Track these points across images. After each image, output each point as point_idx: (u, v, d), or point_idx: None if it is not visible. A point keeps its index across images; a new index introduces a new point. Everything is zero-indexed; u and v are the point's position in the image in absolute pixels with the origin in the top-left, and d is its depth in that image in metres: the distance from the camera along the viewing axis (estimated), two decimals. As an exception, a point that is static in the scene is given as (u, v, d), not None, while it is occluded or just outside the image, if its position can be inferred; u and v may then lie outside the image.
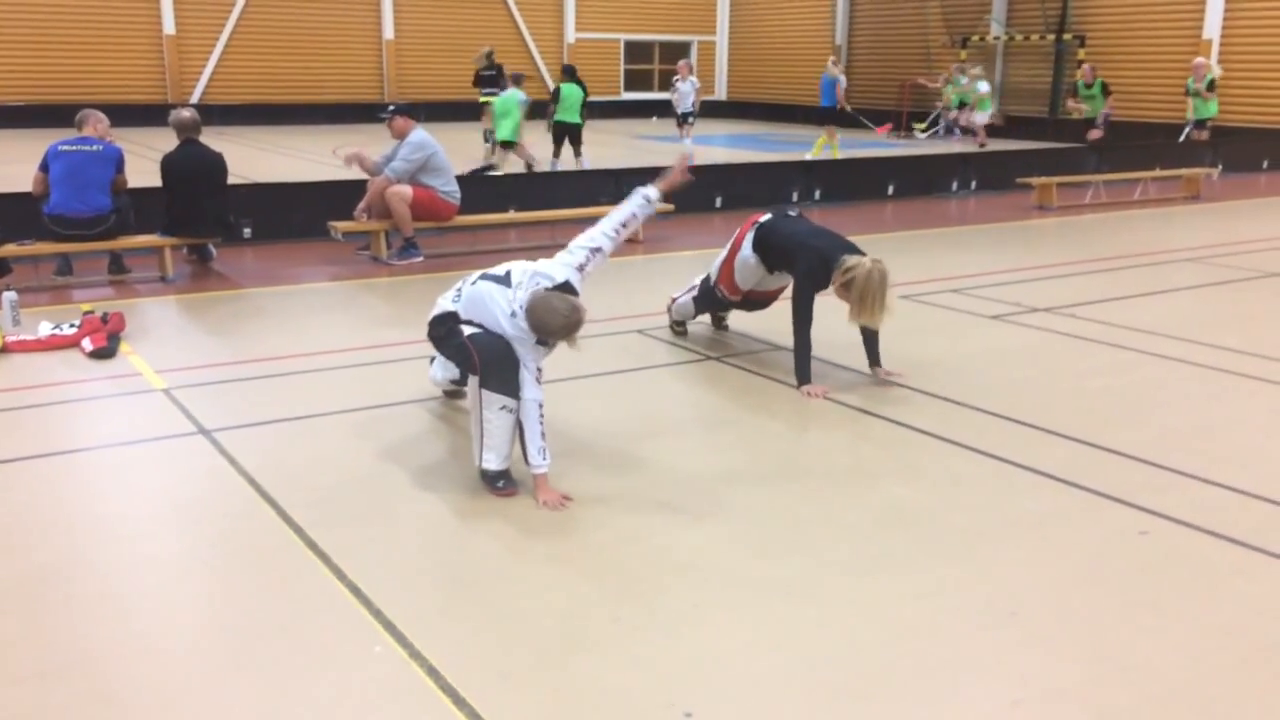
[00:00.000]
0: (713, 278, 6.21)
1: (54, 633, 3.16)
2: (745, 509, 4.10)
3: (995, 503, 4.16)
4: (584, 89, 16.04)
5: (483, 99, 19.42)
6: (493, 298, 4.19)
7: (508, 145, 14.86)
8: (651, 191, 4.70)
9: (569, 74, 16.33)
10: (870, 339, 5.65)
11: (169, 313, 7.38)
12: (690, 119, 18.56)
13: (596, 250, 4.41)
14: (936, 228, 11.58)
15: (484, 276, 4.33)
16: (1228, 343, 6.49)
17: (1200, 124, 17.11)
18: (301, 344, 6.41)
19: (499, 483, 4.19)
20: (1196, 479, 4.38)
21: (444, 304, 4.44)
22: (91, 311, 6.49)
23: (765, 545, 3.79)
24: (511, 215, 10.39)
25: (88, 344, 6.08)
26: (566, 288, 4.19)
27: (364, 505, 4.10)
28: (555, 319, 4.03)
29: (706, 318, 6.73)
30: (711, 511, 4.09)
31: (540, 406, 4.11)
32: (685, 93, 18.65)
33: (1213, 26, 21.50)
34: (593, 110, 29.08)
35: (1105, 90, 17.50)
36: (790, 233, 5.75)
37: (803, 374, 5.53)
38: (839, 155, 17.25)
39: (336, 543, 3.73)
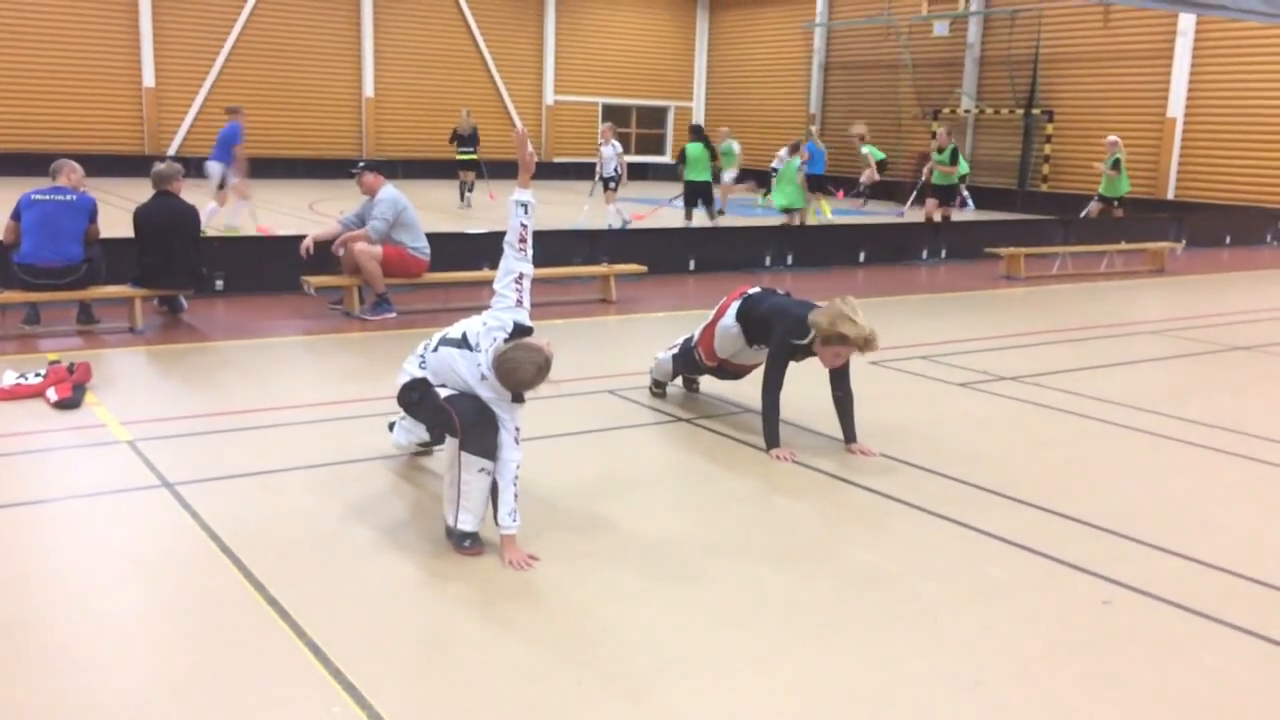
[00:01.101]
0: (694, 339, 6.24)
1: (4, 689, 3.08)
2: (711, 573, 4.09)
3: (960, 570, 4.17)
4: (710, 147, 16.19)
5: (460, 157, 19.95)
6: (458, 363, 4.18)
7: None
8: (518, 193, 4.42)
9: (696, 133, 16.42)
10: (845, 414, 5.67)
11: (136, 364, 7.33)
12: (613, 184, 17.32)
13: (519, 277, 4.33)
14: (907, 295, 11.71)
15: (443, 341, 4.30)
16: (1189, 414, 6.58)
17: (1108, 201, 16.73)
18: (269, 398, 6.37)
19: (465, 542, 4.16)
20: (1158, 549, 4.42)
21: (411, 370, 4.42)
22: (58, 361, 6.44)
23: (730, 610, 3.77)
24: (485, 273, 10.40)
25: (53, 394, 6.01)
26: (522, 330, 4.17)
27: (326, 563, 4.06)
28: (526, 371, 4.01)
29: (679, 380, 6.76)
30: (677, 575, 4.07)
31: (517, 468, 4.11)
32: (608, 157, 17.51)
33: (1177, 105, 22.09)
34: (567, 171, 29.53)
35: (955, 158, 16.58)
36: (773, 304, 5.81)
37: (771, 438, 5.55)
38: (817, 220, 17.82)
39: (297, 600, 3.69)
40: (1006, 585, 4.05)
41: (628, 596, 3.86)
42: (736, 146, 19.75)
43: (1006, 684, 3.30)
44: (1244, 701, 3.25)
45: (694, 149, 15.83)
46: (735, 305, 5.96)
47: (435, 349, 4.32)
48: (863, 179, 22.76)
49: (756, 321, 5.81)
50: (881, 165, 22.95)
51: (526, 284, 4.35)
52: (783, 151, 18.57)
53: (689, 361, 6.31)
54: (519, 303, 4.31)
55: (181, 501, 4.60)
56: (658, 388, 6.67)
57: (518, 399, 4.12)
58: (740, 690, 3.21)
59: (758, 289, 6.03)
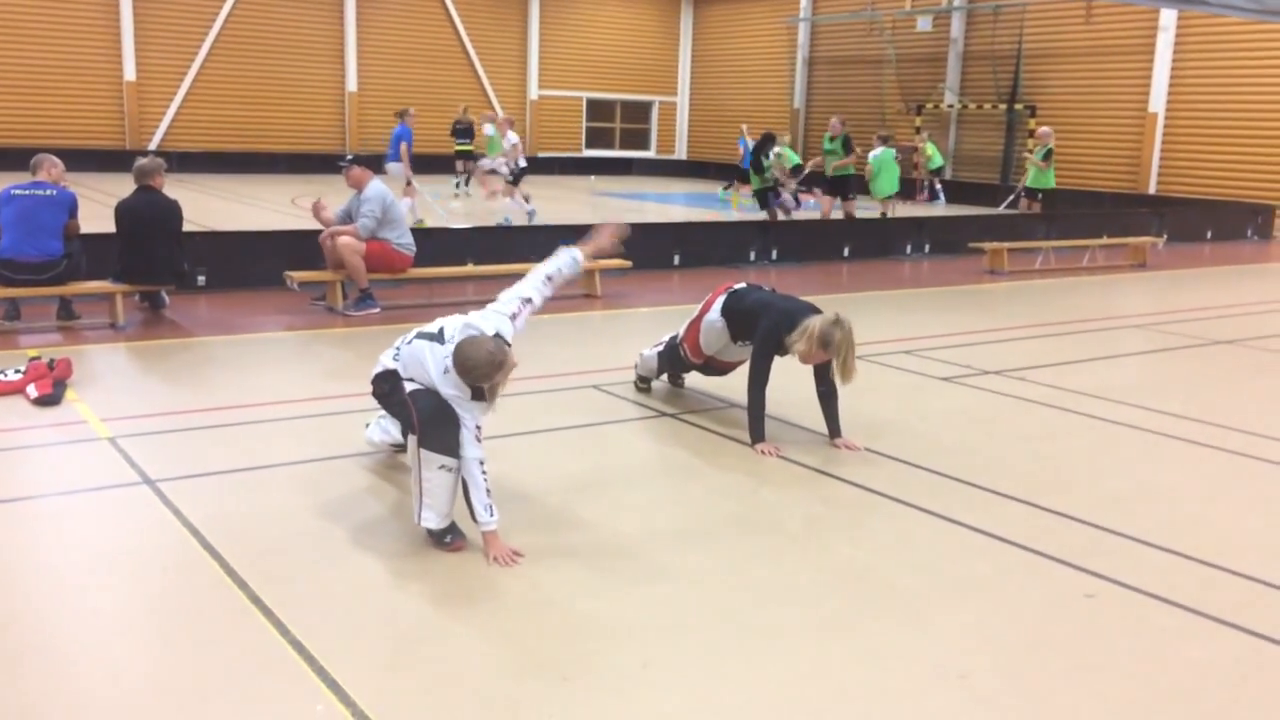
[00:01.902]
0: (679, 336, 6.23)
1: (-17, 688, 3.06)
2: (696, 568, 4.09)
3: (944, 564, 4.19)
4: (765, 152, 16.33)
5: (458, 148, 20.23)
6: (426, 355, 4.15)
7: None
8: (578, 252, 4.71)
9: (766, 140, 16.38)
10: (830, 409, 5.67)
11: (118, 360, 7.28)
12: (511, 179, 16.14)
13: (527, 301, 4.43)
14: (891, 290, 11.74)
15: (420, 334, 4.28)
16: (1172, 408, 6.62)
17: (1033, 193, 16.57)
18: (252, 394, 6.34)
19: (446, 538, 4.15)
20: (1141, 542, 4.44)
21: (385, 361, 4.41)
22: (38, 357, 6.39)
23: (715, 605, 3.77)
24: (469, 269, 10.40)
25: (33, 390, 5.97)
26: (497, 338, 4.12)
27: (309, 559, 4.04)
28: (479, 353, 3.93)
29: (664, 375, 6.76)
30: (662, 570, 4.07)
31: (482, 464, 4.08)
32: (503, 149, 16.55)
33: (1158, 100, 22.20)
34: (553, 166, 29.51)
35: (848, 147, 15.91)
36: (758, 299, 5.80)
37: (756, 432, 5.55)
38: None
39: (279, 597, 3.67)
40: (990, 579, 4.06)
41: (612, 592, 3.85)
42: (514, 137, 17.26)
43: (990, 677, 3.31)
44: (1226, 694, 3.27)
45: (759, 154, 16.26)
46: (720, 300, 5.95)
47: (411, 341, 4.31)
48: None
49: (742, 315, 5.79)
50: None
51: (529, 310, 4.44)
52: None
53: (674, 358, 6.30)
54: (513, 317, 4.33)
55: (163, 499, 4.57)
56: (642, 383, 6.66)
57: (478, 395, 4.06)
58: (725, 685, 3.21)
59: (743, 285, 6.02)
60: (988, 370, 7.55)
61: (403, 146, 14.97)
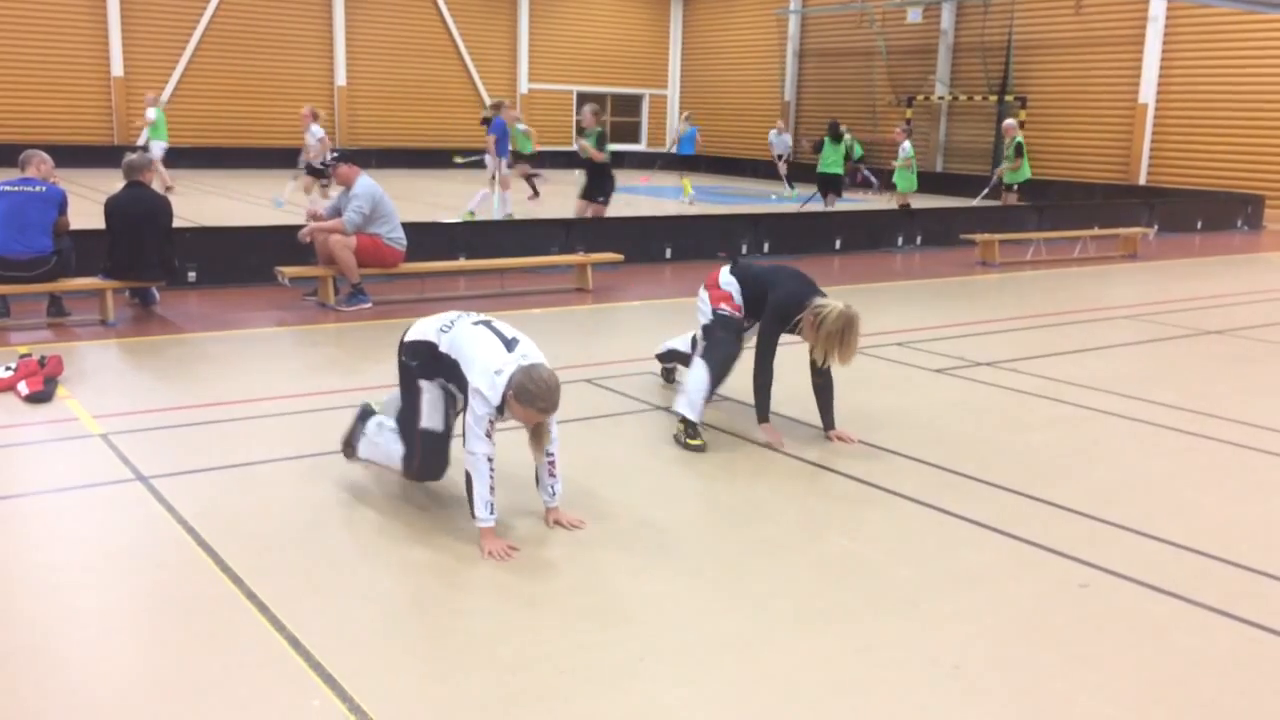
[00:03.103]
0: (708, 315, 5.69)
1: (-23, 687, 3.05)
2: (692, 560, 4.09)
3: (938, 555, 4.20)
4: (844, 144, 17.55)
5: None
6: (488, 347, 4.16)
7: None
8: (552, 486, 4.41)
9: (832, 130, 17.29)
10: (825, 401, 5.65)
11: (109, 357, 7.25)
12: (323, 179, 14.57)
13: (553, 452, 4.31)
14: (883, 282, 11.75)
15: (489, 326, 4.29)
16: (1163, 398, 6.64)
17: (1009, 187, 16.29)
18: (244, 390, 6.33)
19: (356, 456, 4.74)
20: (1134, 532, 4.45)
21: (427, 331, 4.40)
22: (28, 354, 6.36)
23: (711, 597, 3.78)
24: (461, 263, 10.38)
25: (24, 387, 5.94)
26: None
27: (304, 555, 4.04)
28: (552, 380, 4.02)
29: (657, 368, 6.75)
30: (658, 562, 4.07)
31: (490, 461, 4.08)
32: (309, 145, 15.26)
33: (1148, 91, 22.24)
34: (542, 160, 29.46)
35: (601, 142, 13.73)
36: (770, 268, 5.78)
37: (763, 409, 5.52)
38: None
39: (275, 593, 3.66)
40: (984, 570, 4.07)
41: (607, 585, 3.86)
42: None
43: (985, 668, 3.32)
44: (1218, 682, 3.29)
45: (829, 145, 17.04)
46: (724, 271, 5.82)
47: (477, 324, 4.30)
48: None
49: (753, 280, 5.67)
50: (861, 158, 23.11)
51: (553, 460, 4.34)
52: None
53: (725, 331, 5.64)
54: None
55: (156, 495, 4.56)
56: (667, 373, 6.66)
57: (500, 409, 4.07)
58: (722, 677, 3.22)
59: (732, 262, 5.94)
60: (980, 362, 7.57)
61: (490, 140, 15.69)
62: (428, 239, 10.34)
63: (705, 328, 5.69)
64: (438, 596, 3.76)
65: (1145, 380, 7.21)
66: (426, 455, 4.44)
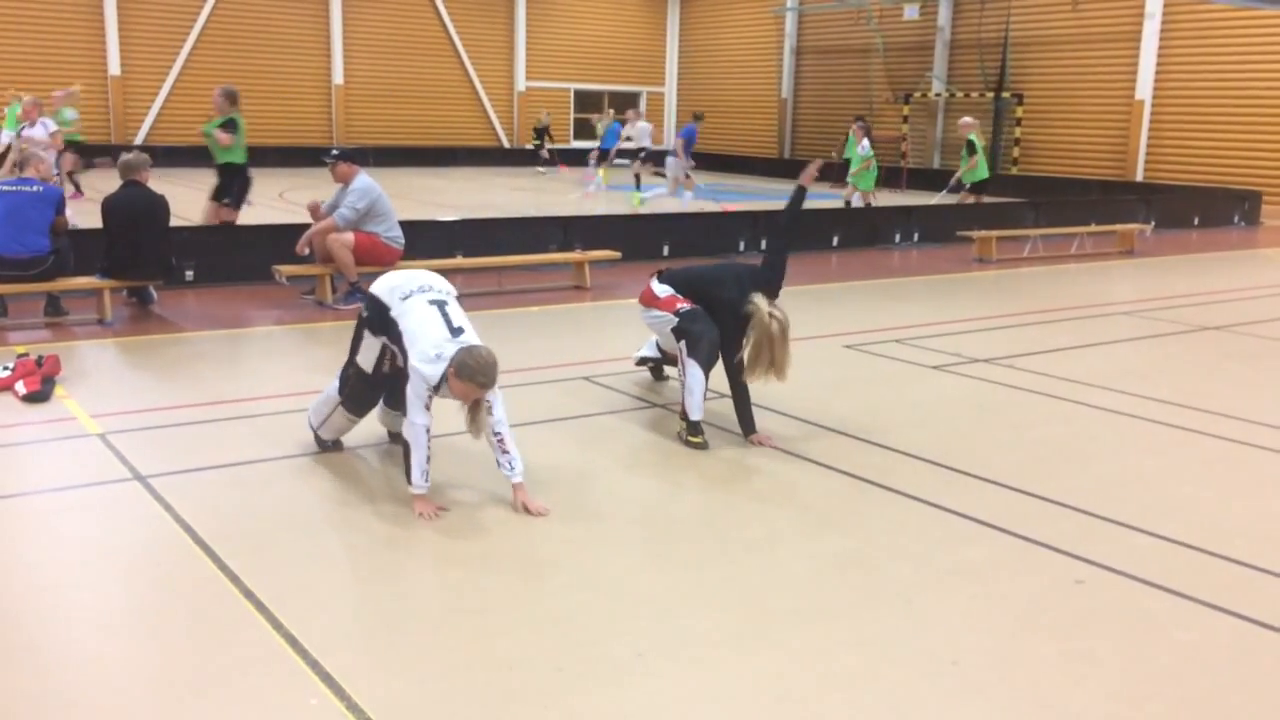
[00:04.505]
0: (670, 320, 5.61)
1: (-24, 686, 3.06)
2: (687, 557, 4.10)
3: (935, 551, 4.20)
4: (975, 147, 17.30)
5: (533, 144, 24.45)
6: (433, 330, 4.40)
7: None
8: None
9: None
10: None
11: (106, 356, 7.25)
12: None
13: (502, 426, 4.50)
14: (880, 279, 11.76)
15: (443, 309, 4.51)
16: (1160, 394, 6.65)
17: (965, 186, 15.79)
18: (242, 389, 6.33)
19: (329, 444, 5.16)
20: (1130, 528, 4.46)
21: (387, 291, 4.67)
22: (26, 354, 6.36)
23: (708, 594, 3.78)
24: (459, 261, 10.38)
25: (21, 387, 5.94)
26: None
27: (302, 553, 4.04)
28: (491, 358, 4.31)
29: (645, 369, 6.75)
30: (653, 560, 4.08)
31: (428, 432, 4.36)
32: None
33: (1144, 88, 22.26)
34: (538, 157, 29.42)
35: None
36: (698, 268, 5.84)
37: (748, 423, 5.53)
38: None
39: (273, 591, 3.67)
40: (981, 566, 4.08)
41: (604, 582, 3.86)
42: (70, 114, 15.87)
43: (982, 664, 3.33)
44: (1214, 677, 3.30)
45: (851, 142, 17.12)
46: (654, 284, 5.79)
47: (432, 303, 4.53)
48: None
49: (686, 284, 5.65)
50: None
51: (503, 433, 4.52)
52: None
53: (695, 318, 5.57)
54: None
55: (154, 494, 4.56)
56: (656, 372, 6.67)
57: (436, 388, 4.34)
58: (718, 674, 3.23)
59: (656, 275, 5.89)
60: (977, 358, 7.58)
61: (678, 142, 17.61)
62: (425, 237, 10.34)
63: (677, 329, 5.55)
64: (435, 596, 3.76)
65: (1142, 376, 7.22)
66: (355, 386, 4.92)
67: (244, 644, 3.34)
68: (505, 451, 4.46)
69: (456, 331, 4.41)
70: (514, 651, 3.33)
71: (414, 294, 4.60)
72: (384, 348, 4.77)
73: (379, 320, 4.68)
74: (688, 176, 17.96)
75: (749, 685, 3.17)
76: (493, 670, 3.22)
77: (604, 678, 3.20)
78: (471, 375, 4.23)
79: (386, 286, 4.72)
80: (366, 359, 4.86)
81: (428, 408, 4.36)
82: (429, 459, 4.37)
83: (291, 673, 3.17)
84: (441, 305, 4.54)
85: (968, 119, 16.25)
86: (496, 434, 4.44)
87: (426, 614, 3.61)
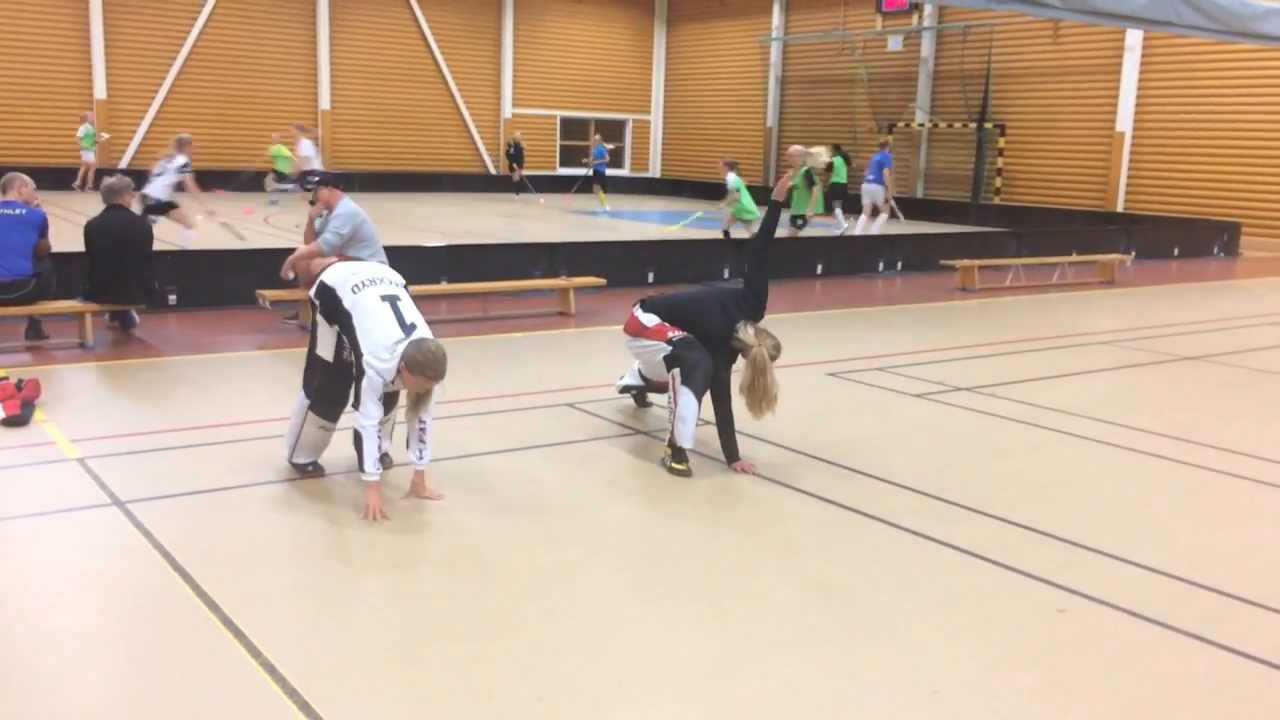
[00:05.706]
0: (662, 349, 5.61)
1: (-52, 714, 3.02)
2: (670, 585, 4.09)
3: (917, 580, 4.20)
4: (846, 160, 18.35)
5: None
6: (385, 325, 4.58)
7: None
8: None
9: (835, 150, 17.85)
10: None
11: (87, 380, 7.21)
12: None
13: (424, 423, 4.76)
14: (863, 307, 11.81)
15: (395, 304, 4.68)
16: (1140, 423, 6.68)
17: (795, 219, 15.26)
18: (223, 414, 6.30)
19: (309, 468, 5.13)
20: (1111, 557, 4.48)
21: (340, 281, 4.79)
22: (5, 378, 6.31)
23: (689, 621, 3.77)
24: (443, 287, 10.38)
25: (0, 411, 5.90)
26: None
27: (280, 580, 4.01)
28: (440, 352, 4.53)
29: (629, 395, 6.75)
30: (636, 588, 4.07)
31: (380, 423, 4.62)
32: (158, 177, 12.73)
33: (1125, 119, 22.49)
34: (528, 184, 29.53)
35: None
36: (682, 295, 5.88)
37: (732, 450, 5.54)
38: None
39: (251, 619, 3.64)
40: (963, 595, 4.08)
41: (586, 610, 3.85)
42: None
43: (963, 693, 3.32)
44: (1196, 708, 3.30)
45: (838, 161, 17.66)
46: (638, 311, 5.83)
47: (385, 298, 4.69)
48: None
49: (669, 312, 5.69)
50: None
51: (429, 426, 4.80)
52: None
53: (690, 346, 5.55)
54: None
55: (133, 520, 4.53)
56: (639, 398, 6.66)
57: (391, 387, 4.61)
58: (701, 703, 3.21)
59: (639, 303, 5.92)
60: (959, 386, 7.61)
61: (888, 173, 17.56)
62: (409, 262, 10.31)
63: (670, 358, 5.53)
64: (416, 623, 3.74)
65: (1123, 405, 7.26)
66: (321, 380, 5.01)
67: (221, 671, 3.30)
68: (423, 442, 4.76)
69: (409, 328, 4.59)
70: (494, 680, 3.31)
71: (366, 286, 4.75)
72: (339, 335, 4.88)
73: (330, 308, 4.81)
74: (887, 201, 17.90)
75: (731, 714, 3.15)
76: (472, 698, 3.19)
77: (585, 707, 3.18)
78: (422, 369, 4.48)
79: (338, 275, 4.87)
80: (326, 348, 4.97)
81: (380, 401, 4.59)
82: (380, 448, 4.65)
83: (268, 700, 3.14)
84: (394, 300, 4.72)
85: (798, 148, 14.30)
86: (422, 423, 4.72)
87: (406, 642, 3.59)
